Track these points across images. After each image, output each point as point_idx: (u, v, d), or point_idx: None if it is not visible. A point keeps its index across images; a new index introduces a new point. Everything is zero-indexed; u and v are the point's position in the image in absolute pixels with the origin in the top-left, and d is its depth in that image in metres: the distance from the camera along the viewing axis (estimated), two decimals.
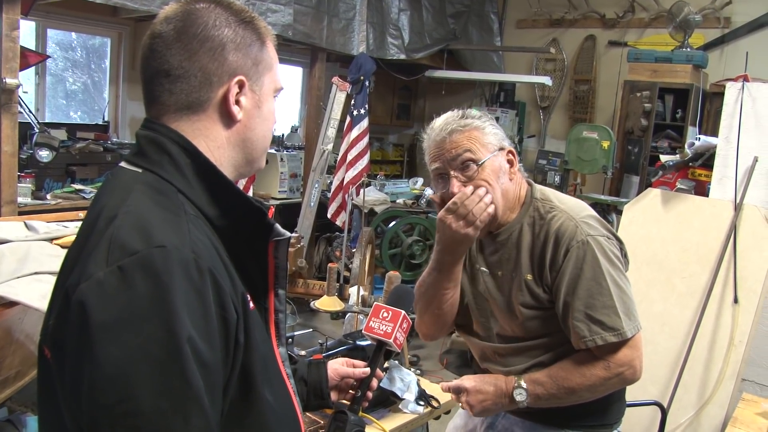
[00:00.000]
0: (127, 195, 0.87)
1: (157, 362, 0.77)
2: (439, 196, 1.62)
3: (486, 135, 1.58)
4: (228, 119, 0.97)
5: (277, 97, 1.05)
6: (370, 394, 1.40)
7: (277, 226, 0.98)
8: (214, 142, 0.96)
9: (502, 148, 1.61)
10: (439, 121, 1.63)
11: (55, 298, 0.88)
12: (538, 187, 1.68)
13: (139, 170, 0.92)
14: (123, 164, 0.95)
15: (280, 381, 1.02)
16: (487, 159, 1.56)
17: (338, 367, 1.44)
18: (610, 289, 1.51)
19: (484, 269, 1.70)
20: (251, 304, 0.93)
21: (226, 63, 0.95)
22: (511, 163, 1.63)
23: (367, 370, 1.41)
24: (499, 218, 1.60)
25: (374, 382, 1.40)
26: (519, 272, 1.61)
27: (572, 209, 1.60)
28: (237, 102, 0.97)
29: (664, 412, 2.46)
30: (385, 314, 1.41)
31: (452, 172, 1.57)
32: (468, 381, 1.66)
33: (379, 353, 1.42)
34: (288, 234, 1.00)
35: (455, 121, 1.60)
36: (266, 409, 0.94)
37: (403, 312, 1.42)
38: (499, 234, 1.65)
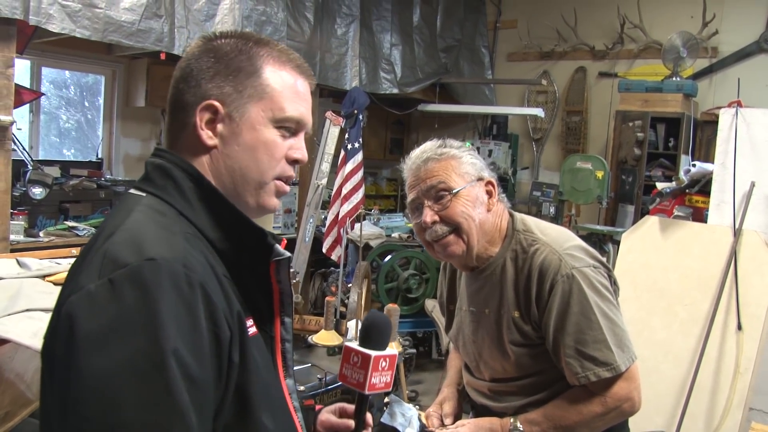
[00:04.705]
0: (127, 215, 0.89)
1: (142, 374, 0.76)
2: (415, 226, 1.60)
3: (463, 164, 1.56)
4: (200, 145, 0.97)
5: (284, 128, 0.99)
6: None
7: (278, 246, 0.98)
8: (201, 167, 0.97)
9: (480, 179, 1.58)
10: (417, 150, 1.62)
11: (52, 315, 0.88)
12: (519, 217, 1.64)
13: (143, 194, 0.94)
14: (131, 190, 0.98)
15: (285, 412, 0.99)
16: (462, 188, 1.53)
17: (328, 417, 1.25)
18: (600, 322, 1.47)
19: (473, 309, 1.67)
20: (253, 329, 0.93)
21: (200, 90, 0.97)
22: (490, 194, 1.59)
23: (351, 423, 1.21)
24: (474, 249, 1.56)
25: None
26: (506, 309, 1.57)
27: (555, 240, 1.55)
28: (212, 128, 0.97)
29: None
30: (355, 359, 1.16)
31: (426, 202, 1.55)
32: (463, 427, 1.62)
33: (361, 403, 1.20)
34: (287, 254, 0.99)
35: (432, 149, 1.59)
36: None
37: (374, 354, 1.14)
38: (483, 270, 1.62)
